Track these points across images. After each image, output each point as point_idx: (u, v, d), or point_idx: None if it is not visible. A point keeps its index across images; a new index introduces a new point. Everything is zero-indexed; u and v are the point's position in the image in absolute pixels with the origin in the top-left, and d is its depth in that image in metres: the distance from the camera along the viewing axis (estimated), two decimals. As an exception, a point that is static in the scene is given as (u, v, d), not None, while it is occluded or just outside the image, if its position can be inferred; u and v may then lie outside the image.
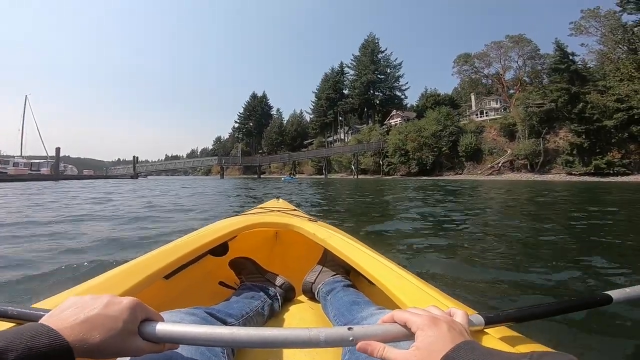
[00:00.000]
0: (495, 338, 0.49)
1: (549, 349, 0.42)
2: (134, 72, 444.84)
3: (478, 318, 0.49)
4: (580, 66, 30.09)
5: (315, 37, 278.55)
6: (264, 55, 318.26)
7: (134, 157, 43.56)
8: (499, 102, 39.78)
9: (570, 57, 29.57)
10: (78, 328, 0.35)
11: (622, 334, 1.22)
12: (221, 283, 1.10)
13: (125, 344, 0.37)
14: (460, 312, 0.47)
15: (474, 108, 42.70)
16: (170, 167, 48.55)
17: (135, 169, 42.52)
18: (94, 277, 0.66)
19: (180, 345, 0.43)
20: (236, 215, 1.44)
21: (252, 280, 1.05)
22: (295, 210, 1.68)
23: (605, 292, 0.54)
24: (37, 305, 0.52)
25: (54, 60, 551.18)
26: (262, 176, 51.27)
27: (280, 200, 2.11)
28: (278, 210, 1.50)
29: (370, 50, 55.18)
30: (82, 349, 0.34)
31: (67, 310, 0.37)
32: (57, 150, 32.29)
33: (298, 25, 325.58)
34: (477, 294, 1.66)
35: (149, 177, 48.75)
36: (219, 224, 1.18)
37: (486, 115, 40.20)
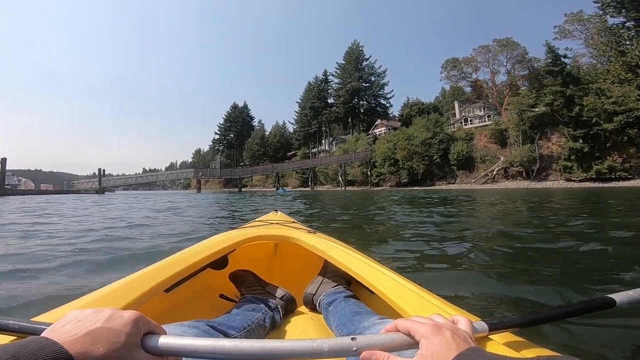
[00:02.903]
0: (499, 344, 0.49)
1: (555, 353, 0.42)
2: (111, 84, 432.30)
3: (482, 325, 0.49)
4: (573, 68, 29.46)
5: (298, 48, 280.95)
6: (247, 66, 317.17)
7: (99, 169, 39.63)
8: (482, 110, 39.34)
9: (563, 59, 28.87)
10: (81, 341, 0.34)
11: (626, 338, 1.20)
12: (222, 296, 1.10)
13: (128, 357, 0.37)
14: (463, 320, 0.46)
15: (457, 116, 42.16)
16: (141, 180, 44.29)
17: (100, 183, 38.60)
18: (94, 290, 0.65)
19: (183, 358, 0.43)
20: (235, 228, 1.46)
21: (253, 293, 1.04)
22: (294, 222, 1.65)
23: (609, 296, 0.53)
24: (38, 318, 0.52)
25: (35, 74, 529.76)
26: (243, 189, 48.06)
27: (279, 212, 2.02)
28: (277, 223, 1.49)
29: (354, 58, 54.22)
30: None
31: (69, 324, 0.36)
32: (3, 161, 28.30)
33: (281, 36, 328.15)
34: (480, 301, 1.63)
35: (116, 191, 44.74)
36: (218, 238, 1.17)
37: (470, 123, 39.63)
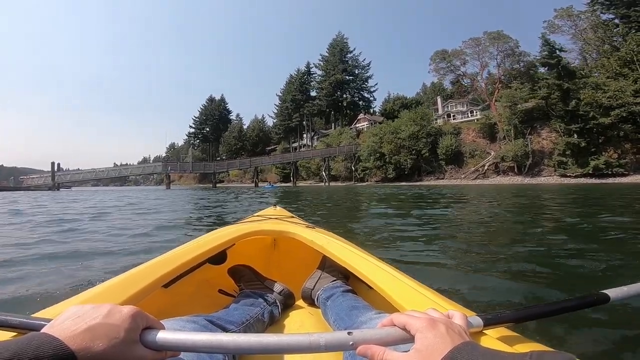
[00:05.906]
0: (494, 339, 0.49)
1: (548, 348, 0.42)
2: (97, 82, 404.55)
3: (477, 319, 0.49)
4: (572, 63, 28.72)
5: (286, 44, 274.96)
6: (225, 60, 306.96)
7: (52, 163, 35.08)
8: (466, 105, 38.71)
9: (559, 52, 27.89)
10: (81, 337, 0.35)
11: (620, 333, 1.20)
12: (220, 291, 1.11)
13: (127, 352, 0.37)
14: (458, 314, 0.47)
15: (440, 111, 41.41)
16: (102, 175, 39.62)
17: (54, 178, 34.19)
18: (94, 286, 0.66)
19: (181, 352, 0.42)
20: (233, 223, 1.44)
21: (251, 288, 1.04)
22: (292, 217, 1.66)
23: (603, 291, 0.54)
24: (38, 314, 0.52)
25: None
26: (218, 185, 44.70)
27: (278, 207, 2.02)
28: (275, 218, 1.50)
29: (339, 50, 52.25)
30: (85, 358, 0.34)
31: (68, 320, 0.37)
32: None
33: (262, 30, 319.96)
34: (475, 296, 1.61)
35: (73, 188, 40.19)
36: (217, 233, 1.16)
37: (453, 119, 38.88)
